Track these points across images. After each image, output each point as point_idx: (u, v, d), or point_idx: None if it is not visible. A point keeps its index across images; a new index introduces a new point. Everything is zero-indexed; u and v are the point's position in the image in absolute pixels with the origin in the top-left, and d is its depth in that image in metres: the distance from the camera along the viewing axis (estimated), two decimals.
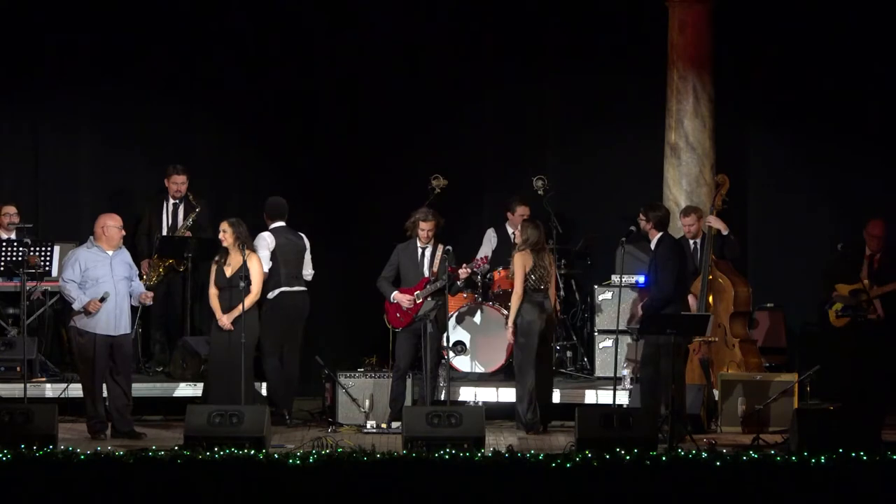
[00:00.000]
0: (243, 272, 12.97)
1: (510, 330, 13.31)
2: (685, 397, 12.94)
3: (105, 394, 12.96)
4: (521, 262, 13.28)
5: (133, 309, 13.20)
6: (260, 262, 13.25)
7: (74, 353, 13.09)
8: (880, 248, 13.81)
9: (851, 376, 13.66)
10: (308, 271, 13.89)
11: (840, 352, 13.79)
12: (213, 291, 13.25)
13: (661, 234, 13.06)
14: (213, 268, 13.27)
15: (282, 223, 13.85)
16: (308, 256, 13.89)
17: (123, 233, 12.99)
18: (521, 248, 13.31)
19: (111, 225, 12.89)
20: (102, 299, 12.73)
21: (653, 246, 13.08)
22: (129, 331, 13.00)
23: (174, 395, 13.83)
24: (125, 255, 13.07)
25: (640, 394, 13.07)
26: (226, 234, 13.15)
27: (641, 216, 13.19)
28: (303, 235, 13.92)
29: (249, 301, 13.01)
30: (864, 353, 13.63)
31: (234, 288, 13.06)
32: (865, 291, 13.67)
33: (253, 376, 13.29)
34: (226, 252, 13.18)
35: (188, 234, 14.53)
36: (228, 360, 13.01)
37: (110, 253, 12.87)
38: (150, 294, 13.19)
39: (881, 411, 12.53)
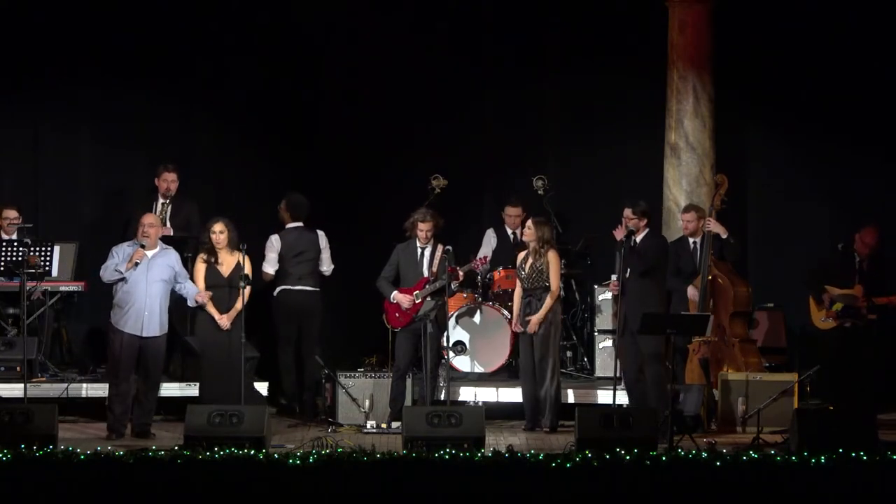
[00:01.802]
0: (242, 272, 12.97)
1: (514, 324, 13.38)
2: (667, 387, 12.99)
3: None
4: (556, 261, 13.34)
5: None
6: (249, 261, 13.24)
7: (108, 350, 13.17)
8: (868, 255, 13.86)
9: (843, 378, 13.67)
10: (325, 268, 14.13)
11: (831, 354, 13.80)
12: (202, 289, 13.21)
13: (648, 229, 13.14)
14: (203, 267, 13.18)
15: (299, 224, 14.06)
16: (325, 254, 14.08)
17: (152, 230, 12.90)
18: (549, 247, 13.33)
19: (143, 223, 12.92)
20: (143, 245, 12.80)
21: (640, 238, 13.09)
22: (159, 333, 12.93)
23: (174, 395, 13.81)
24: (169, 258, 13.03)
25: (641, 394, 13.09)
26: (222, 235, 13.14)
27: (630, 215, 13.17)
28: (319, 233, 14.09)
29: (242, 302, 13.05)
30: (855, 355, 13.64)
31: (229, 287, 13.05)
32: (867, 296, 13.68)
33: (253, 376, 13.28)
34: (214, 251, 13.16)
35: (167, 229, 14.45)
36: (227, 359, 13.00)
37: (149, 254, 12.87)
38: (207, 294, 13.05)
39: (873, 412, 12.53)
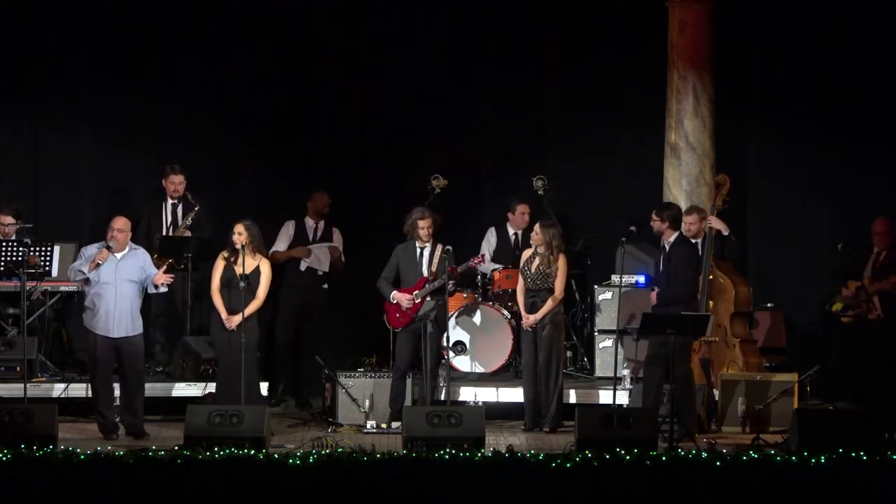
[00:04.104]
0: (243, 274, 12.93)
1: (529, 320, 13.35)
2: (695, 397, 12.97)
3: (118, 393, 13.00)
4: (565, 267, 13.38)
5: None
6: (270, 268, 13.21)
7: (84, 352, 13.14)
8: (886, 246, 13.84)
9: (854, 376, 13.67)
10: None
11: (842, 351, 13.81)
12: (217, 286, 13.13)
13: (677, 233, 13.14)
14: (221, 264, 13.14)
15: None
16: None
17: (120, 234, 12.82)
18: (559, 252, 13.35)
19: (111, 227, 12.86)
20: (108, 247, 12.73)
21: (668, 245, 13.11)
22: (131, 333, 12.83)
23: (174, 395, 13.81)
24: (138, 258, 12.94)
25: (641, 393, 13.08)
26: (241, 237, 13.08)
27: (655, 216, 13.23)
28: None
29: (254, 307, 13.01)
30: (866, 353, 13.64)
31: (245, 288, 13.01)
32: (864, 289, 13.69)
33: (258, 377, 13.24)
34: (236, 251, 13.09)
35: (188, 233, 14.53)
36: (231, 361, 12.95)
37: (118, 255, 12.84)
38: (166, 276, 12.89)
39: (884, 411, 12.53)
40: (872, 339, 13.67)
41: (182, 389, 13.87)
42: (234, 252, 13.10)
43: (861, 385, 13.61)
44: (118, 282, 12.79)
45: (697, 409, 13.20)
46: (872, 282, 13.77)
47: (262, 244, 13.27)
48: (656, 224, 13.27)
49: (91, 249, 12.89)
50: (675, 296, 12.98)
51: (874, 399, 13.25)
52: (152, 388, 13.86)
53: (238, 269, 13.05)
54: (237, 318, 12.94)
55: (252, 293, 13.01)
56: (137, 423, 12.90)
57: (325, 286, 14.73)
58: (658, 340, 12.88)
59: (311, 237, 14.70)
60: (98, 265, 12.73)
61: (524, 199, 14.95)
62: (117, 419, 12.93)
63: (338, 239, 14.77)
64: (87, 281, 12.81)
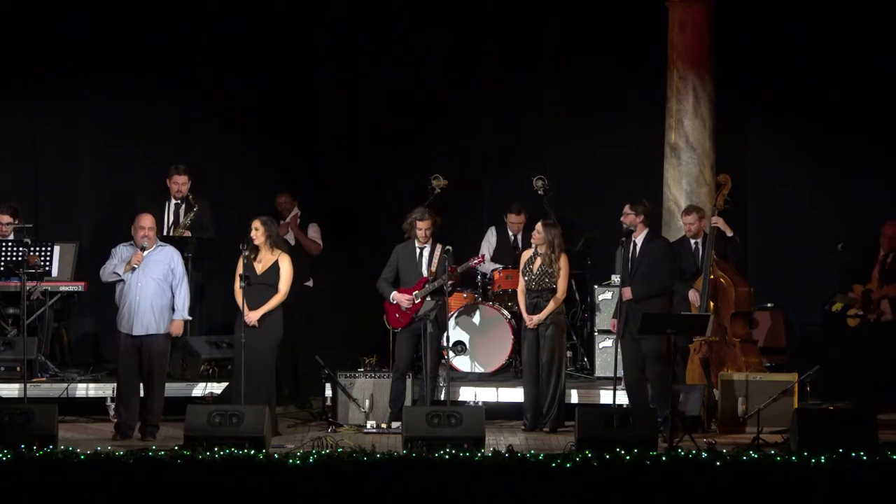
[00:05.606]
0: (242, 273, 12.93)
1: (532, 320, 13.35)
2: (670, 389, 12.97)
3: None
4: (567, 267, 13.42)
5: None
6: (290, 263, 13.19)
7: None
8: (893, 249, 13.83)
9: (856, 377, 13.68)
10: None
11: (848, 352, 13.82)
12: (239, 286, 13.04)
13: (648, 229, 13.15)
14: (241, 262, 13.09)
15: None
16: None
17: (151, 233, 12.78)
18: (560, 251, 13.37)
19: (142, 226, 12.81)
20: (142, 248, 12.73)
21: (640, 241, 13.10)
22: (153, 332, 12.73)
23: (175, 395, 13.80)
24: (165, 255, 12.89)
25: (641, 395, 13.09)
26: (258, 233, 13.07)
27: (629, 210, 13.20)
28: None
29: (276, 301, 13.01)
30: (875, 354, 13.65)
31: (264, 285, 12.97)
32: (870, 293, 13.70)
33: (273, 375, 13.23)
34: (256, 249, 13.07)
35: (187, 233, 14.52)
36: (247, 358, 12.92)
37: (144, 252, 12.81)
38: (180, 325, 12.94)
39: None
40: (881, 340, 13.67)
41: (183, 390, 13.86)
42: (254, 249, 13.08)
43: (863, 385, 13.62)
44: (140, 279, 12.76)
45: (697, 410, 13.19)
46: (881, 285, 13.77)
47: (279, 239, 13.26)
48: (629, 218, 13.22)
49: (122, 249, 12.85)
50: (651, 290, 12.96)
51: (875, 399, 13.27)
52: None
53: (257, 266, 13.05)
54: (254, 315, 12.92)
55: (273, 287, 13.00)
56: (153, 423, 12.86)
57: (309, 283, 14.67)
58: (631, 337, 12.88)
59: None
60: (134, 268, 12.73)
61: (519, 210, 14.91)
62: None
63: (314, 231, 14.77)
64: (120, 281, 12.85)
